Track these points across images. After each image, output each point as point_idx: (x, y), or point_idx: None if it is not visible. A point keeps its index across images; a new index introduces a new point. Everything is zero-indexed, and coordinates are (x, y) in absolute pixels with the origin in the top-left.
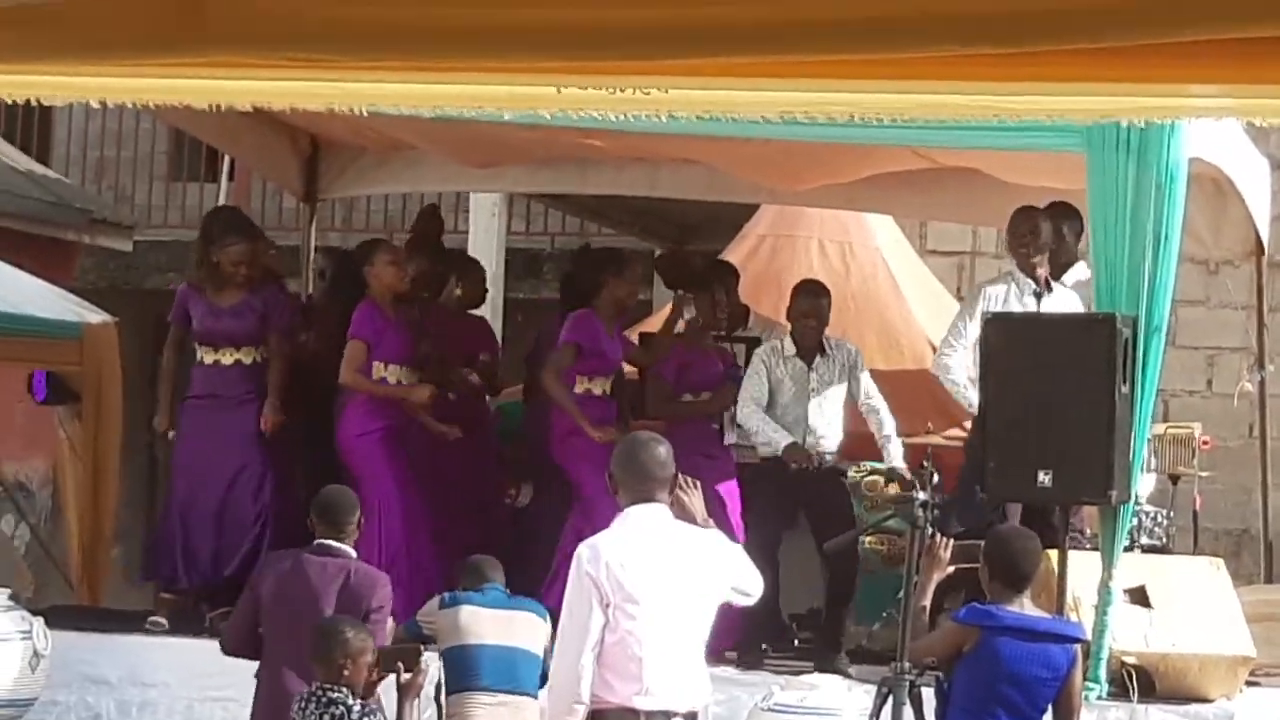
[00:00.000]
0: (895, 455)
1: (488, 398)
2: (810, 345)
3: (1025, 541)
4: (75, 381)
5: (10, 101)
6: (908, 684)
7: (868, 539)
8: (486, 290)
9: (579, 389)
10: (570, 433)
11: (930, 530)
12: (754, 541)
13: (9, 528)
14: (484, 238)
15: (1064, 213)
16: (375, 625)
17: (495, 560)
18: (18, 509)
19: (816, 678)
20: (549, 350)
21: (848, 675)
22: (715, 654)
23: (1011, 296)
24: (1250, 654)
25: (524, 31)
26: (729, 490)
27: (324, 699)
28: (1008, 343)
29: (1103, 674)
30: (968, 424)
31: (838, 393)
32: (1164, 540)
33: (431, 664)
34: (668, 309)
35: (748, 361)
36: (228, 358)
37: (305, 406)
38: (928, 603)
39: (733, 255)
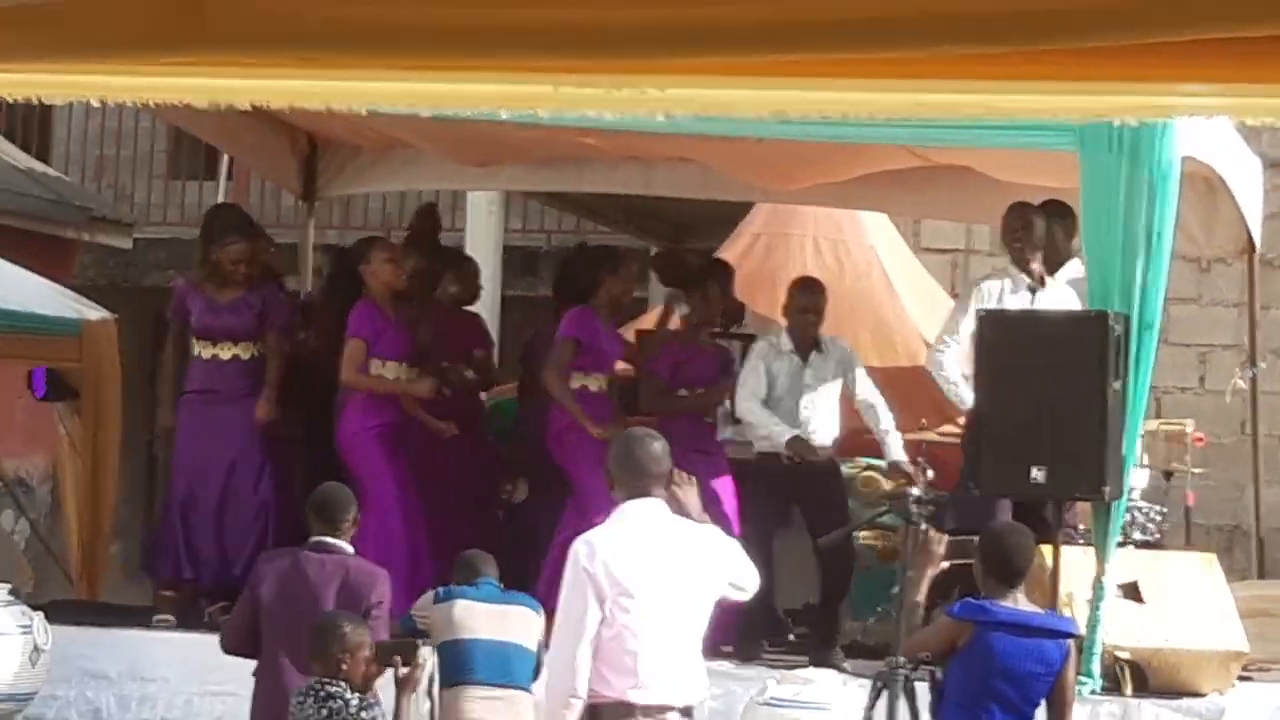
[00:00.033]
0: (895, 449)
1: (482, 394)
2: (807, 341)
3: (1019, 537)
4: (75, 378)
5: (10, 100)
6: (902, 678)
7: (863, 534)
8: (480, 287)
9: (575, 384)
10: (567, 429)
11: (924, 526)
12: (749, 537)
13: (9, 523)
14: (481, 235)
15: (1057, 211)
16: (375, 621)
17: (489, 555)
18: (18, 504)
19: (812, 672)
20: (544, 349)
21: (843, 670)
22: (711, 648)
23: (1006, 291)
24: (1243, 649)
25: (522, 31)
26: (723, 486)
27: (322, 693)
28: (1002, 339)
29: (1096, 669)
30: (961, 420)
31: (832, 389)
32: (1157, 536)
33: (428, 659)
34: (660, 307)
35: (744, 359)
36: (226, 352)
37: (305, 405)
38: (922, 598)
39: (727, 253)
